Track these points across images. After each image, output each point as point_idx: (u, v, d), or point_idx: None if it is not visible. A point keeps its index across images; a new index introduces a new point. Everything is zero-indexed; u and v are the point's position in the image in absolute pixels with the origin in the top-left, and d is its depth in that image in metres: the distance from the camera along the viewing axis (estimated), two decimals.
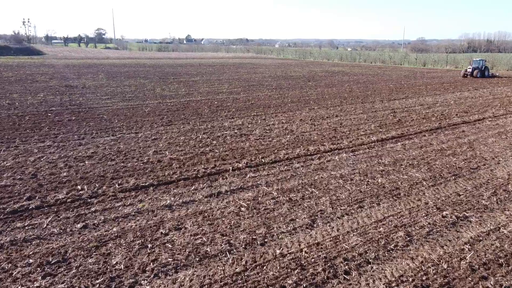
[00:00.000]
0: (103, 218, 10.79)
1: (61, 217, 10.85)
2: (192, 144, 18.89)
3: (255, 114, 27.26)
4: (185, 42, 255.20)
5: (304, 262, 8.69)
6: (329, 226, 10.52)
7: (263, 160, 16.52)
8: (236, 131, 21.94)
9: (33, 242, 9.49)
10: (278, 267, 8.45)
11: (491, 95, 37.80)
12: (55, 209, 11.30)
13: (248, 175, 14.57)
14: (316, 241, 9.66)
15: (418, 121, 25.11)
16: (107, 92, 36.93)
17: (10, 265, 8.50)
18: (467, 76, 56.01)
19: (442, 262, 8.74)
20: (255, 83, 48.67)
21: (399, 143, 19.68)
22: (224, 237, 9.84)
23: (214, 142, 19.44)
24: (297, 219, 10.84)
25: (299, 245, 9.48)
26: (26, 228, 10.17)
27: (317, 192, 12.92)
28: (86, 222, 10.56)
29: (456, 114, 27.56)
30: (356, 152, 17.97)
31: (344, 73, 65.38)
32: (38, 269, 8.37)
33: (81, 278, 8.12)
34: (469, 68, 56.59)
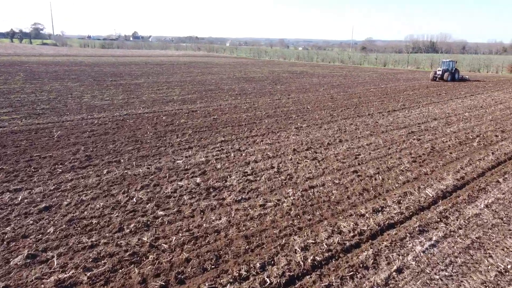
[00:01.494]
0: None
1: None
2: (108, 237, 9.50)
3: (222, 139, 18.18)
4: (131, 39, 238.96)
5: None
6: None
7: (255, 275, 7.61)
8: (197, 181, 12.75)
9: None
10: None
11: (500, 103, 30.97)
12: None
13: None
14: None
15: (460, 150, 17.20)
16: (13, 102, 26.28)
17: None
18: (436, 80, 49.21)
19: None
20: (212, 86, 39.37)
21: (477, 204, 11.43)
22: None
23: (157, 223, 10.13)
24: None
25: None
26: None
27: None
28: None
29: (496, 135, 19.99)
30: (433, 233, 9.46)
31: (309, 74, 57.49)
32: None
33: None
34: (438, 71, 49.60)
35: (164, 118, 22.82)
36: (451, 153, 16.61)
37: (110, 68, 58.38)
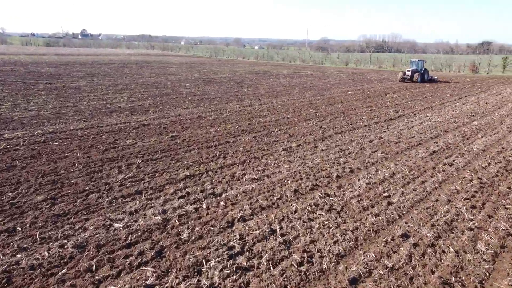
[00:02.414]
0: None
1: None
2: None
3: (187, 173, 12.41)
4: (79, 37, 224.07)
5: None
6: None
7: None
8: (146, 280, 6.96)
9: None
10: None
11: (498, 108, 27.06)
12: None
13: None
14: None
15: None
16: None
17: None
18: (405, 81, 44.68)
19: None
20: (168, 90, 33.17)
21: None
22: None
23: None
24: None
25: None
26: None
27: None
28: None
29: None
30: None
31: (273, 75, 52.32)
32: None
33: None
34: (407, 71, 44.84)
35: (104, 137, 16.63)
36: (509, 188, 11.77)
37: (49, 68, 50.33)
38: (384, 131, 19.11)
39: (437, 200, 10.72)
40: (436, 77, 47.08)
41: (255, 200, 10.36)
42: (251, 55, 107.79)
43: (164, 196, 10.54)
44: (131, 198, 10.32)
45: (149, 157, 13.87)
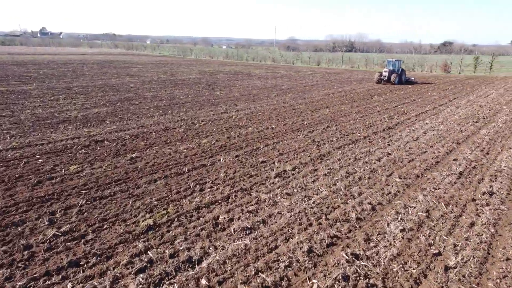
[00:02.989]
0: None
1: None
2: None
3: (149, 241, 8.66)
4: (39, 35, 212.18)
5: None
6: None
7: None
8: None
9: None
10: None
11: (497, 111, 24.62)
12: None
13: None
14: None
15: None
16: None
17: None
18: (381, 82, 41.38)
19: None
20: (131, 93, 29.03)
21: None
22: None
23: None
24: None
25: None
26: None
27: None
28: None
29: None
30: None
31: (246, 75, 48.80)
32: None
33: None
34: (384, 71, 41.29)
35: (40, 161, 12.61)
36: None
37: None
38: (389, 144, 15.97)
39: (507, 259, 7.54)
40: (413, 78, 44.60)
41: (253, 273, 6.82)
42: (220, 55, 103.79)
43: (114, 269, 6.82)
44: (60, 277, 6.55)
45: (98, 194, 10.04)
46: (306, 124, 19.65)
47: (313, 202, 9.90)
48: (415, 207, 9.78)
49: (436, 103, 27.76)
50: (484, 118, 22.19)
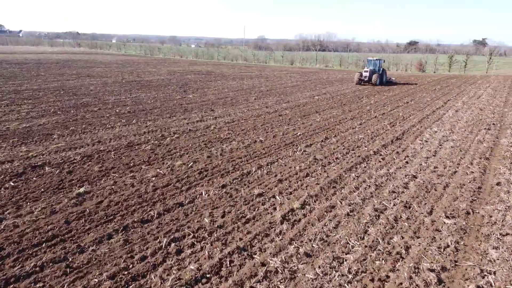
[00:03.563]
0: None
1: None
2: None
3: None
4: None
5: None
6: None
7: None
8: None
9: None
10: None
11: (501, 116, 22.18)
12: None
13: None
14: None
15: None
16: None
17: None
18: (361, 83, 37.91)
19: None
20: (90, 97, 24.92)
21: None
22: None
23: None
24: None
25: None
26: None
27: None
28: None
29: None
30: None
31: (219, 76, 45.19)
32: None
33: None
34: (365, 71, 37.76)
35: None
36: None
37: None
38: (407, 162, 12.89)
39: None
40: (393, 78, 41.85)
41: None
42: (190, 54, 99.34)
43: None
44: None
45: (16, 270, 6.32)
46: (300, 135, 16.34)
47: (348, 271, 6.56)
48: (495, 273, 6.61)
49: (432, 106, 25.12)
50: (493, 124, 19.57)
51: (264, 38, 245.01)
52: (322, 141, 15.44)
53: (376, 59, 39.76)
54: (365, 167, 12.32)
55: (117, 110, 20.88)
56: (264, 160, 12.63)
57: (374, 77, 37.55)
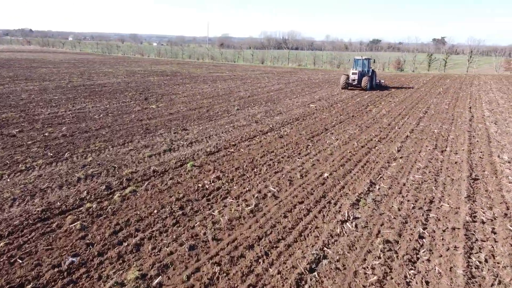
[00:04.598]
0: None
1: None
2: None
3: None
4: None
5: None
6: None
7: None
8: None
9: None
10: None
11: None
12: None
13: None
14: None
15: None
16: None
17: None
18: (347, 88, 31.68)
19: None
20: (14, 111, 17.96)
21: None
22: None
23: None
24: None
25: None
26: None
27: None
28: None
29: None
30: None
31: (187, 77, 38.69)
32: None
33: None
34: (353, 74, 31.28)
35: None
36: None
37: None
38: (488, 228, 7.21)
39: None
40: (382, 81, 35.92)
41: None
42: (152, 52, 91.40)
43: None
44: None
45: None
46: (328, 177, 10.38)
47: None
48: None
49: (463, 118, 19.88)
50: None
51: (228, 36, 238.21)
52: (368, 189, 9.57)
53: (365, 59, 32.56)
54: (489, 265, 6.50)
55: (46, 134, 14.17)
56: (293, 253, 6.57)
57: (364, 80, 30.72)
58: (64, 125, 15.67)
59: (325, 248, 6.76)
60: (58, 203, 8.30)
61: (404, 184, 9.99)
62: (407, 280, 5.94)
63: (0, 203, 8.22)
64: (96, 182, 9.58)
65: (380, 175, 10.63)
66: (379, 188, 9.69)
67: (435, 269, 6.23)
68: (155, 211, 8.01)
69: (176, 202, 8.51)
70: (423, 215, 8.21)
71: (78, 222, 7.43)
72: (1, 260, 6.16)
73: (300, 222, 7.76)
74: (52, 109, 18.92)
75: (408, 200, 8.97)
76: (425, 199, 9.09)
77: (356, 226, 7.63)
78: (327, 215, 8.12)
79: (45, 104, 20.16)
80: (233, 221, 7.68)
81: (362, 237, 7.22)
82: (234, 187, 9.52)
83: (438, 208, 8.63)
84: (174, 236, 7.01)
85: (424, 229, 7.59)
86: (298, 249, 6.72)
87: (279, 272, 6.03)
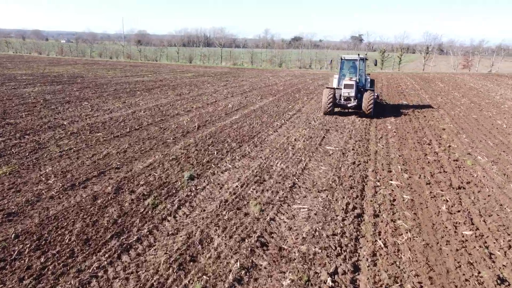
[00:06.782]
0: None
1: None
2: None
3: None
4: None
5: None
6: None
7: None
8: None
9: None
10: None
11: None
12: None
13: None
14: None
15: None
16: None
17: None
18: (332, 112, 17.90)
19: None
20: None
21: None
22: None
23: None
24: None
25: None
26: None
27: None
28: None
29: None
30: None
31: (92, 85, 25.46)
32: None
33: None
34: (346, 87, 17.42)
35: None
36: None
37: None
38: None
39: None
40: (379, 94, 22.81)
41: None
42: (53, 50, 73.71)
43: None
44: None
45: None
46: None
47: None
48: None
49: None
50: None
51: (145, 33, 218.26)
52: None
53: (361, 58, 18.44)
54: None
55: None
56: None
57: (368, 99, 17.17)
58: None
59: None
60: None
61: None
62: None
63: None
64: None
65: None
66: None
67: None
68: None
69: None
70: None
71: None
72: None
73: None
74: None
75: None
76: None
77: None
78: None
79: None
80: None
81: None
82: None
83: None
84: None
85: None
86: None
87: None
